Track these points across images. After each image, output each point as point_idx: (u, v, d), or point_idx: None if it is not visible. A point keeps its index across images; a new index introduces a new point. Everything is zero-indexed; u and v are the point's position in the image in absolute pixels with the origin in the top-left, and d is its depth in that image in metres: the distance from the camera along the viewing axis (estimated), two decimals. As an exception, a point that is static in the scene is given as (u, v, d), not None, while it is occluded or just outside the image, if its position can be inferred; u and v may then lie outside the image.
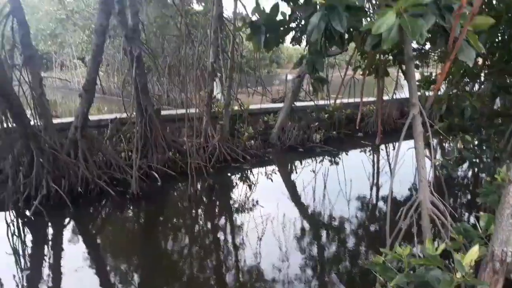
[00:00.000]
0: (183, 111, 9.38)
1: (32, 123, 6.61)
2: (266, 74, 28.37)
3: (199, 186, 7.87)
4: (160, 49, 13.54)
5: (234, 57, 9.71)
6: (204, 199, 7.65)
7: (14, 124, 6.40)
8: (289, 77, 18.47)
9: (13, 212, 6.42)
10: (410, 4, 2.48)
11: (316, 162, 10.05)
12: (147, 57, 10.04)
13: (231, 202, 7.48)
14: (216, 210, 7.28)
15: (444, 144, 11.21)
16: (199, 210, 7.13)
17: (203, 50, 10.22)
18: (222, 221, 6.73)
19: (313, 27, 2.79)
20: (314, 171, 9.35)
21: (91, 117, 7.83)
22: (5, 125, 6.42)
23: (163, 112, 9.55)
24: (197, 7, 14.16)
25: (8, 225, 6.11)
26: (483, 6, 5.81)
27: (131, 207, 7.00)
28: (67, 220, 6.42)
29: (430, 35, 3.18)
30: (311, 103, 12.22)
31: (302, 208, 7.20)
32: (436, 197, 3.59)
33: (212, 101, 9.81)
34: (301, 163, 10.11)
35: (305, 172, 9.34)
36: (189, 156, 7.39)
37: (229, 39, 9.96)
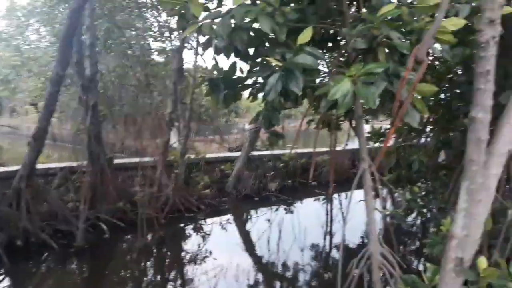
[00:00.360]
0: (137, 159, 9.25)
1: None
2: (224, 124, 28.74)
3: (149, 238, 7.62)
4: (118, 97, 13.49)
5: (193, 107, 9.85)
6: (154, 251, 7.39)
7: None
8: (247, 126, 18.86)
9: None
10: (363, 73, 2.70)
11: (272, 211, 10.08)
12: (104, 106, 9.97)
13: (183, 254, 7.27)
14: (166, 263, 7.02)
15: (394, 194, 11.64)
16: (148, 263, 6.86)
17: (162, 100, 10.32)
18: (172, 274, 6.49)
19: (270, 87, 2.94)
20: (269, 220, 9.34)
21: (39, 166, 7.56)
22: None
23: (116, 161, 9.37)
24: (157, 58, 14.42)
25: None
26: (427, 68, 6.36)
27: (75, 261, 6.63)
28: (1, 277, 5.95)
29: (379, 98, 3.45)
30: (268, 152, 12.44)
31: (256, 258, 7.11)
32: (385, 249, 3.70)
33: (169, 149, 9.76)
34: (256, 212, 10.10)
35: (260, 221, 9.31)
36: (140, 206, 7.21)
37: (188, 89, 10.14)
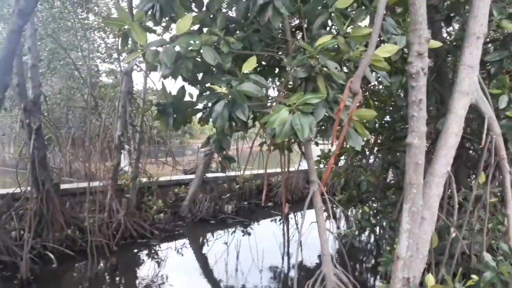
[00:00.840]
0: (85, 184, 8.91)
1: None
2: (178, 145, 28.39)
3: (101, 266, 7.30)
4: (64, 120, 13.00)
5: (143, 129, 9.68)
6: (107, 279, 7.07)
7: None
8: (201, 148, 18.75)
9: None
10: (301, 103, 2.79)
11: (228, 234, 10.00)
12: (48, 128, 9.57)
13: (137, 281, 7.01)
14: (119, 292, 6.75)
15: (347, 213, 11.95)
16: (100, 293, 6.56)
17: (111, 122, 10.06)
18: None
19: (217, 115, 2.97)
20: (226, 243, 9.25)
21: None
22: None
23: (63, 186, 8.97)
24: (106, 79, 14.10)
25: None
26: (369, 93, 6.70)
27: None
28: None
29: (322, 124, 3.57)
30: (222, 174, 12.40)
31: (214, 282, 7.01)
32: (339, 269, 3.79)
33: (119, 173, 9.48)
34: (213, 235, 9.97)
35: (217, 244, 9.20)
36: (90, 233, 6.92)
37: (138, 112, 9.97)
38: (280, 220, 11.56)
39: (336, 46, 3.04)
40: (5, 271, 6.59)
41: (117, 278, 7.24)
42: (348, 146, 6.13)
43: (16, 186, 8.26)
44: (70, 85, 11.95)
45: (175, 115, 3.66)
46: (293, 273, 7.35)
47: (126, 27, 3.11)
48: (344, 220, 11.51)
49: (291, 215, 11.98)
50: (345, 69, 3.29)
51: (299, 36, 4.77)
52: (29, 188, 7.70)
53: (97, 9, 11.77)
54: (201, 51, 2.94)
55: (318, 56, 2.91)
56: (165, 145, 11.89)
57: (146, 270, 7.50)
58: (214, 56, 2.95)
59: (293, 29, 4.03)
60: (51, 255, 7.23)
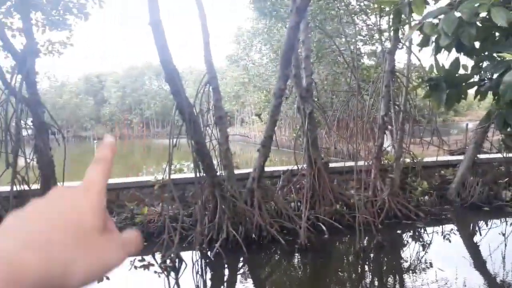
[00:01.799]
0: (351, 163, 9.40)
1: (218, 173, 7.59)
2: (441, 123, 26.22)
3: (367, 242, 7.61)
4: (329, 103, 14.06)
5: (407, 108, 9.41)
6: (372, 256, 7.33)
7: (204, 174, 7.46)
8: (470, 125, 16.69)
9: (199, 252, 7.24)
10: None
11: (507, 223, 8.62)
12: (317, 113, 10.55)
13: (402, 262, 6.97)
14: (385, 269, 6.87)
15: None
16: (366, 268, 6.86)
17: (373, 103, 10.21)
18: (391, 281, 6.31)
19: (507, 87, 2.58)
20: (503, 234, 8.02)
21: (266, 169, 8.51)
22: (198, 174, 7.54)
23: (331, 165, 9.75)
24: (367, 61, 14.37)
25: (193, 264, 6.94)
26: None
27: (299, 257, 7.20)
28: (241, 264, 6.98)
29: None
30: (498, 155, 10.71)
31: (487, 276, 6.22)
32: None
33: (382, 153, 9.56)
34: (486, 224, 8.82)
35: (492, 234, 8.09)
36: (357, 209, 7.28)
37: (401, 90, 9.75)
38: None
39: None
40: (288, 235, 7.67)
41: (382, 255, 7.37)
42: None
43: (293, 164, 9.57)
44: (336, 70, 12.79)
45: (447, 91, 3.35)
46: None
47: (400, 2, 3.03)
48: None
49: None
50: None
51: None
52: (305, 166, 8.76)
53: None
54: (490, 13, 2.55)
55: None
56: (429, 125, 11.16)
57: (410, 252, 7.34)
58: (507, 17, 2.51)
59: None
60: (323, 227, 8.01)
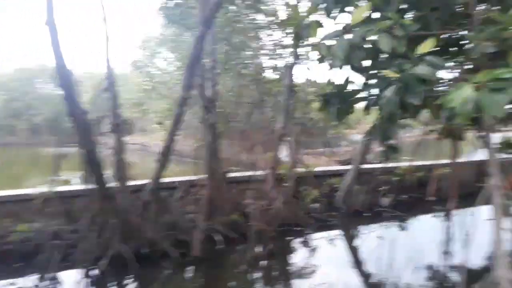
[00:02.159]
0: (250, 173, 9.63)
1: (111, 185, 7.14)
2: (333, 136, 28.27)
3: (258, 250, 7.80)
4: (234, 115, 14.24)
5: (303, 121, 9.98)
6: (263, 263, 7.48)
7: (95, 186, 6.95)
8: (358, 138, 18.28)
9: (84, 271, 6.63)
10: (490, 78, 2.47)
11: (384, 228, 9.58)
12: (220, 123, 10.62)
13: (290, 267, 7.35)
14: (274, 275, 7.19)
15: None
16: (256, 275, 7.07)
17: (273, 115, 10.62)
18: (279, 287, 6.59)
19: (386, 101, 2.87)
20: (381, 237, 8.89)
21: (165, 180, 8.19)
22: (88, 186, 7.01)
23: (231, 174, 9.84)
24: (271, 75, 14.84)
25: (77, 284, 6.34)
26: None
27: (192, 270, 7.13)
28: (130, 281, 6.61)
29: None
30: (380, 165, 11.88)
31: (365, 275, 6.91)
32: None
33: (279, 163, 9.95)
34: (367, 228, 9.70)
35: (372, 238, 8.91)
36: (252, 218, 7.45)
37: (299, 104, 10.31)
38: (445, 215, 10.51)
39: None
40: (183, 249, 7.38)
41: (273, 262, 7.62)
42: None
43: (192, 174, 9.42)
44: (240, 82, 13.02)
45: (338, 106, 3.65)
46: (454, 275, 6.66)
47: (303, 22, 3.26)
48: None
49: (456, 212, 10.76)
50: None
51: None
52: (204, 176, 8.67)
53: (265, 8, 12.47)
54: (377, 38, 2.87)
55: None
56: (321, 136, 11.98)
57: (300, 256, 7.76)
58: (390, 43, 2.83)
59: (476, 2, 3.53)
60: (219, 237, 7.97)
